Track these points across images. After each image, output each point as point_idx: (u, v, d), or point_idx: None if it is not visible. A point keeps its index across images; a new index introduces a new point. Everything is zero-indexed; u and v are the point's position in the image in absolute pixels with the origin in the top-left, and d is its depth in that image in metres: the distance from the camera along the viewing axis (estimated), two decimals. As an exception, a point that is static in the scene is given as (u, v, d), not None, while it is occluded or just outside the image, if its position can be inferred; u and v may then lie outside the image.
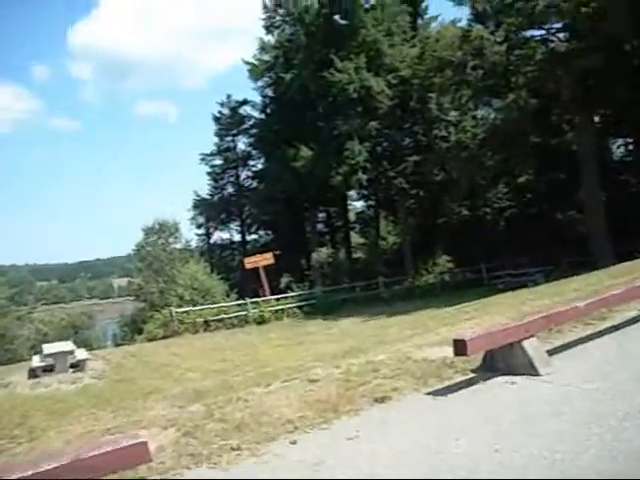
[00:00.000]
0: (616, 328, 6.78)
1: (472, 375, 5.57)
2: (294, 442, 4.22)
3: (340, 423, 4.55)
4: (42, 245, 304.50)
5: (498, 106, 22.67)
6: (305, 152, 28.89)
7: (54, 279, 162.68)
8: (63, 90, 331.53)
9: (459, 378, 5.55)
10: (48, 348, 15.46)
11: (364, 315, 20.84)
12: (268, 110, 35.36)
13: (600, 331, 6.72)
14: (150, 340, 21.53)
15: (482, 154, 24.01)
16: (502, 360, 5.49)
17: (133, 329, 28.31)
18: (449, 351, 5.74)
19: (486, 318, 9.66)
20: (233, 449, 4.14)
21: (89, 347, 34.33)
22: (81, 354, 15.52)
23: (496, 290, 21.36)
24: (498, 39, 20.02)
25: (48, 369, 14.56)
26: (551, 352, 5.88)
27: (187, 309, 22.52)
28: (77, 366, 14.85)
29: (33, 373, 14.54)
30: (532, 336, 5.55)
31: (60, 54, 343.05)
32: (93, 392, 11.70)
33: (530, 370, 5.29)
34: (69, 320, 34.15)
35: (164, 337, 21.16)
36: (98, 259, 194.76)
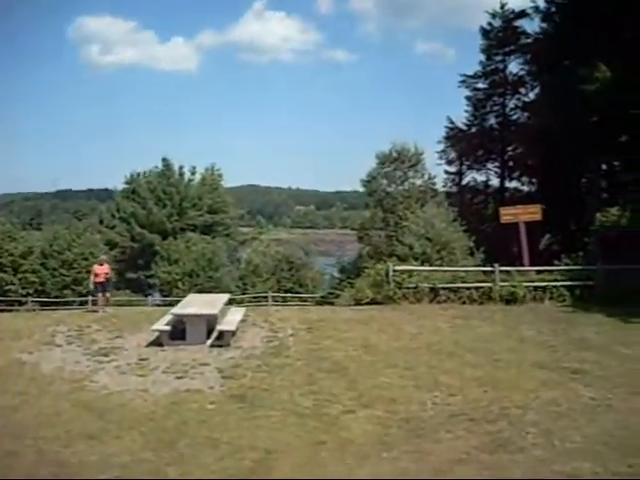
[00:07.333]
0: None
1: None
2: None
3: None
4: (301, 170, 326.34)
5: None
6: (603, 71, 20.32)
7: (311, 205, 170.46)
8: (344, 24, 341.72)
9: None
10: (184, 305, 11.34)
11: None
12: (553, 19, 26.56)
13: None
14: (357, 302, 16.14)
15: None
16: None
17: (349, 277, 23.36)
18: None
19: None
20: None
21: (303, 289, 30.98)
22: (229, 321, 11.06)
23: None
24: None
25: (177, 336, 10.45)
26: None
27: (409, 268, 16.75)
28: (221, 337, 10.48)
29: (157, 339, 10.57)
30: None
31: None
32: (155, 425, 6.85)
33: None
34: (284, 254, 31.04)
35: (372, 302, 15.68)
36: (355, 191, 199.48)
